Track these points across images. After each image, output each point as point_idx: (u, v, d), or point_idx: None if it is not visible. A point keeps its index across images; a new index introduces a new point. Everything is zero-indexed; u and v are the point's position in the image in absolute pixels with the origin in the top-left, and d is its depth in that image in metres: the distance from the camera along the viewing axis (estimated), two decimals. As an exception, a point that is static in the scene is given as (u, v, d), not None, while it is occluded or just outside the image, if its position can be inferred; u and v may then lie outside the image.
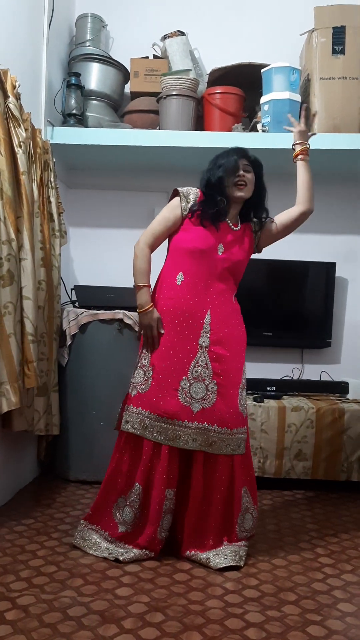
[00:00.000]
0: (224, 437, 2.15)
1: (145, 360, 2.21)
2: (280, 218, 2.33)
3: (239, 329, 2.26)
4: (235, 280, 2.27)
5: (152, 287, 2.27)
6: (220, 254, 2.19)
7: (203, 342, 2.15)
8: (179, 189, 2.24)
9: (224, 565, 2.09)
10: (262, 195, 2.29)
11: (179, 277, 2.19)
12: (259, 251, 2.40)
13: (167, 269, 2.25)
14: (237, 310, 2.28)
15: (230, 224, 2.24)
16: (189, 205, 2.21)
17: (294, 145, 2.35)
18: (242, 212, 2.30)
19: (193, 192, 2.23)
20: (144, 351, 2.23)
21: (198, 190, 2.24)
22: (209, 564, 2.10)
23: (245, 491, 2.21)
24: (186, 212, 2.20)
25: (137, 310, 2.21)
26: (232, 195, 2.20)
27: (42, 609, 1.77)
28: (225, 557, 2.12)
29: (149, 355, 2.20)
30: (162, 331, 2.18)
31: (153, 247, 2.23)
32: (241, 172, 2.19)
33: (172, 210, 2.22)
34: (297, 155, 2.33)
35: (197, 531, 2.18)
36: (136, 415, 2.18)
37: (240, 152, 2.23)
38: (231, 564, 2.09)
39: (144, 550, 2.15)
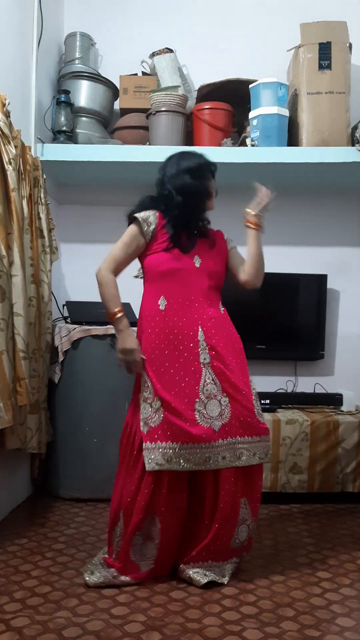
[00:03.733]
0: (252, 446, 2.09)
1: (147, 393, 2.09)
2: (235, 263, 2.28)
3: (233, 336, 2.20)
4: (217, 287, 2.23)
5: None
6: (198, 265, 2.16)
7: (204, 359, 2.08)
8: (136, 215, 2.17)
9: (205, 581, 2.05)
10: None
11: (162, 302, 2.13)
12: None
13: (147, 297, 2.19)
14: (227, 318, 2.23)
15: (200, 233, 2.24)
16: (151, 229, 2.15)
17: (249, 210, 2.25)
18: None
19: (152, 215, 2.16)
20: (144, 384, 2.12)
21: (156, 212, 2.17)
22: (192, 581, 2.07)
23: (245, 502, 2.12)
24: (150, 237, 2.15)
25: (118, 342, 2.12)
26: (207, 209, 2.23)
27: (36, 630, 1.74)
28: (205, 574, 2.07)
29: (151, 387, 2.08)
30: (143, 357, 2.11)
31: (116, 272, 2.16)
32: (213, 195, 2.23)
33: (133, 238, 2.16)
34: (250, 223, 2.24)
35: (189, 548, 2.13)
36: (157, 450, 2.04)
37: (213, 172, 2.22)
38: (210, 579, 2.06)
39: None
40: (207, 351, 2.08)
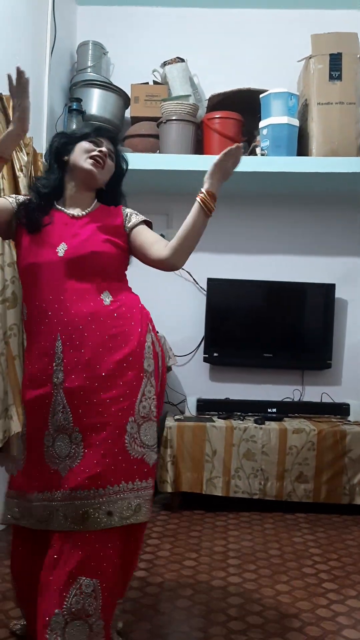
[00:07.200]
0: (101, 501, 1.46)
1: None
2: (148, 243, 1.66)
3: (117, 339, 1.57)
4: (100, 273, 1.62)
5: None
6: (62, 254, 1.59)
7: (57, 378, 1.54)
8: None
9: None
10: (118, 200, 1.79)
11: (25, 313, 1.66)
12: (132, 254, 1.73)
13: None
14: (120, 311, 1.60)
15: (71, 212, 1.68)
16: (18, 204, 1.68)
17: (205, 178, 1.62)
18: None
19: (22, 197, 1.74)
20: None
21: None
22: None
23: (86, 584, 1.41)
24: (15, 207, 1.67)
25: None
26: (80, 167, 1.66)
27: (41, 636, 1.74)
28: None
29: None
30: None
31: None
32: (103, 149, 1.68)
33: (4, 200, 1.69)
34: (198, 197, 1.59)
35: None
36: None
37: (108, 132, 1.75)
38: None
39: None
40: (61, 367, 1.54)
